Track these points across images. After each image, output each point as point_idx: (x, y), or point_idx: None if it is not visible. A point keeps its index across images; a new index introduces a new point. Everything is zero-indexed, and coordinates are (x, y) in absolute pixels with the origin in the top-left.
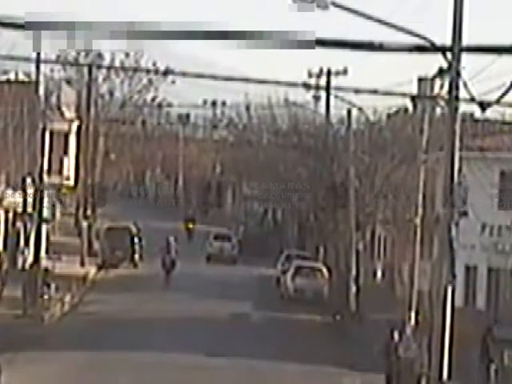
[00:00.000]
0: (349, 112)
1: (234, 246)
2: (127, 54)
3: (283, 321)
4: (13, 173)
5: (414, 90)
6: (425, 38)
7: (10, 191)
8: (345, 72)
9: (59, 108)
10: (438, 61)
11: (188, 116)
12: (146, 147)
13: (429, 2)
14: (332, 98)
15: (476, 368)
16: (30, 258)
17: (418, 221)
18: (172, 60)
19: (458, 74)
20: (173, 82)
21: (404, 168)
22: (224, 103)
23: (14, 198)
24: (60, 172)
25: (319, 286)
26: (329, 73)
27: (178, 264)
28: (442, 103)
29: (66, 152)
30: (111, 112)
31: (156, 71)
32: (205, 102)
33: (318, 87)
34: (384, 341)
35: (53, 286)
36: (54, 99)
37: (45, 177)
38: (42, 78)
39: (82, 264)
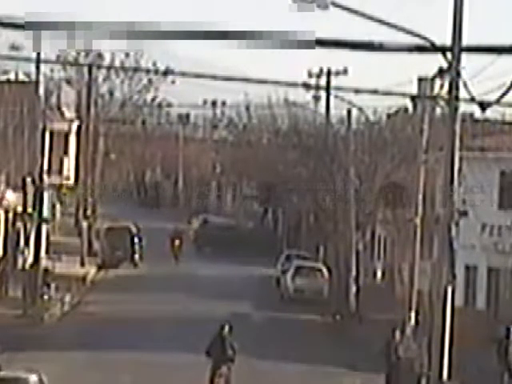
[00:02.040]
0: (349, 112)
1: None
2: (127, 54)
3: (283, 321)
4: (13, 173)
5: (414, 90)
6: (425, 38)
7: (10, 191)
8: (345, 72)
9: (59, 108)
10: (437, 61)
11: (188, 116)
12: (146, 147)
13: (428, 2)
14: (332, 98)
15: (476, 368)
16: (30, 258)
17: (418, 221)
18: (172, 60)
19: (458, 74)
20: (173, 82)
21: (404, 168)
22: (224, 103)
23: (13, 198)
24: (60, 172)
25: (319, 286)
26: (329, 73)
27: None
28: (442, 103)
29: (66, 152)
30: (111, 112)
31: (156, 71)
32: (205, 102)
33: (318, 87)
34: (385, 341)
35: (53, 286)
36: (54, 99)
37: (45, 177)
38: (41, 78)
39: (82, 264)
